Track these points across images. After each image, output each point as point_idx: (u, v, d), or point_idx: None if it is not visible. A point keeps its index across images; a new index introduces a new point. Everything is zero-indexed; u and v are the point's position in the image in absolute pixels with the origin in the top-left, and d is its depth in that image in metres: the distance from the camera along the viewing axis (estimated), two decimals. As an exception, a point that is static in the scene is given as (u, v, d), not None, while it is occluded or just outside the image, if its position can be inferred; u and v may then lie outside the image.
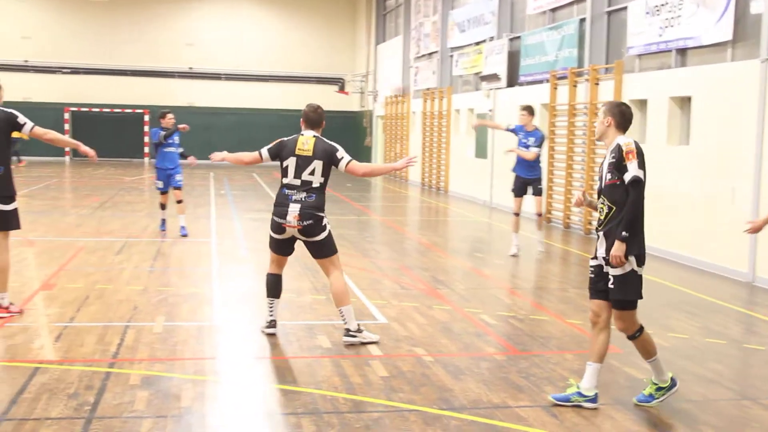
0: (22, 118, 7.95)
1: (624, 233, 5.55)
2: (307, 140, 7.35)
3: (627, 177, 5.58)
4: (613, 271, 5.69)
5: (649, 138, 13.48)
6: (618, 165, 5.64)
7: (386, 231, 16.31)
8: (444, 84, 25.73)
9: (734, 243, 11.27)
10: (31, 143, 27.48)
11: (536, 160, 12.43)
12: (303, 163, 7.26)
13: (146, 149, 37.07)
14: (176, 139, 13.63)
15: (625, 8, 14.85)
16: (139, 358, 6.77)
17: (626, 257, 5.61)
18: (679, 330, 8.30)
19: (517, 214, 12.76)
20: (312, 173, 7.26)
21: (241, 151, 8.14)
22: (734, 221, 11.19)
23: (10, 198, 7.93)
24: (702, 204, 12.06)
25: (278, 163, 7.42)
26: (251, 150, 7.60)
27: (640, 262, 5.70)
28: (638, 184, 5.59)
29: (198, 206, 18.54)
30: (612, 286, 5.72)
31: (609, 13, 15.75)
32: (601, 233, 5.80)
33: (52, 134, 8.17)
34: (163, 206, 14.13)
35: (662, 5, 13.34)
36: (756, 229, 6.47)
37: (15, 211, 7.98)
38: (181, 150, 13.76)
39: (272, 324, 7.60)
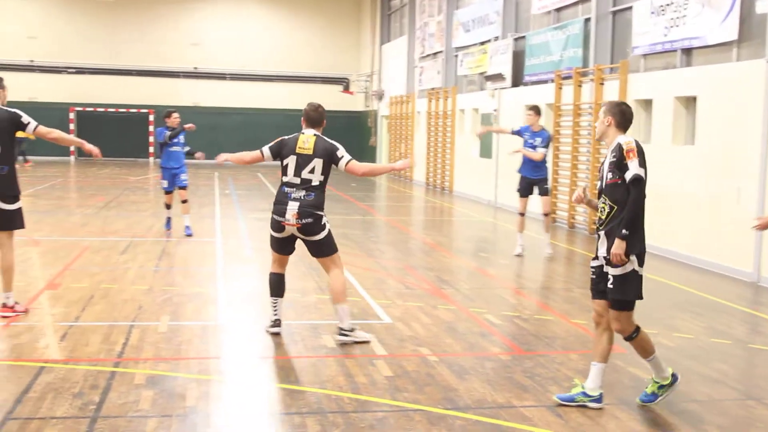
0: (26, 118, 7.96)
1: (624, 231, 5.54)
2: (307, 139, 7.36)
3: (628, 175, 5.58)
4: (612, 271, 5.67)
5: (655, 138, 13.45)
6: (619, 164, 5.64)
7: (391, 231, 16.31)
8: (449, 84, 25.72)
9: (739, 243, 11.25)
10: (37, 143, 27.63)
11: (542, 161, 12.41)
12: (303, 161, 7.28)
13: (151, 149, 37.16)
14: (181, 138, 13.64)
15: (630, 8, 14.83)
16: (143, 358, 6.78)
17: (627, 256, 5.60)
18: (684, 330, 8.29)
19: (522, 214, 12.74)
20: (312, 171, 7.27)
21: (244, 150, 8.15)
22: (739, 221, 11.18)
23: (15, 197, 7.94)
24: (707, 204, 12.04)
25: (279, 162, 7.43)
26: (253, 149, 7.61)
27: (641, 261, 5.69)
28: (639, 182, 5.58)
29: (203, 206, 18.55)
30: (611, 286, 5.70)
31: (614, 13, 15.74)
32: (602, 233, 5.79)
33: (56, 133, 8.19)
34: (168, 206, 14.14)
35: (667, 5, 13.32)
36: (765, 226, 6.45)
37: (19, 210, 7.99)
38: (187, 149, 13.78)
39: (277, 323, 7.60)
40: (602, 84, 15.29)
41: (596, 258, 5.87)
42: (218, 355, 7.07)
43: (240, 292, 9.52)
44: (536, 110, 12.51)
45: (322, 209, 7.29)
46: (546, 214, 12.86)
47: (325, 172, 7.33)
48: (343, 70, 38.96)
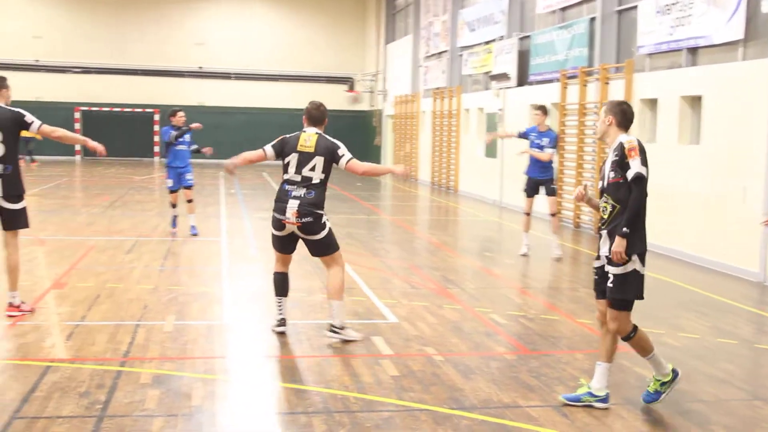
0: (29, 117, 7.98)
1: (625, 229, 5.53)
2: (309, 137, 7.38)
3: (630, 174, 5.56)
4: (613, 270, 5.66)
5: (660, 137, 13.43)
6: (621, 162, 5.63)
7: (396, 230, 16.31)
8: (453, 83, 25.71)
9: (745, 242, 11.23)
10: (44, 143, 27.71)
11: (550, 161, 12.35)
12: (304, 159, 7.29)
13: (156, 148, 37.22)
14: (187, 137, 13.64)
15: (635, 7, 14.80)
16: (149, 357, 6.79)
17: (629, 256, 5.59)
18: (689, 330, 8.28)
19: (528, 214, 12.72)
20: (312, 169, 7.28)
21: (248, 150, 8.12)
22: (745, 220, 11.16)
23: (19, 197, 7.95)
24: (713, 203, 12.02)
25: (281, 161, 7.44)
26: (256, 149, 7.58)
27: (643, 261, 5.67)
28: (641, 180, 5.57)
29: (208, 205, 18.57)
30: (611, 285, 5.69)
31: (619, 12, 15.71)
32: (604, 232, 5.78)
33: (60, 131, 8.20)
34: (173, 205, 14.13)
35: (673, 4, 13.29)
36: None
37: (24, 210, 8.00)
38: (194, 147, 13.78)
39: (282, 322, 7.61)
40: (607, 83, 15.27)
41: (599, 258, 5.86)
42: (224, 354, 7.08)
43: (245, 292, 9.53)
44: (543, 110, 12.47)
45: (322, 208, 7.29)
46: (553, 215, 12.76)
47: (326, 170, 7.34)
48: (348, 69, 38.96)
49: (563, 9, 18.08)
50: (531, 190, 12.56)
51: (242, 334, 7.77)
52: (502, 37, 21.35)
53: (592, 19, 16.31)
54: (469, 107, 24.08)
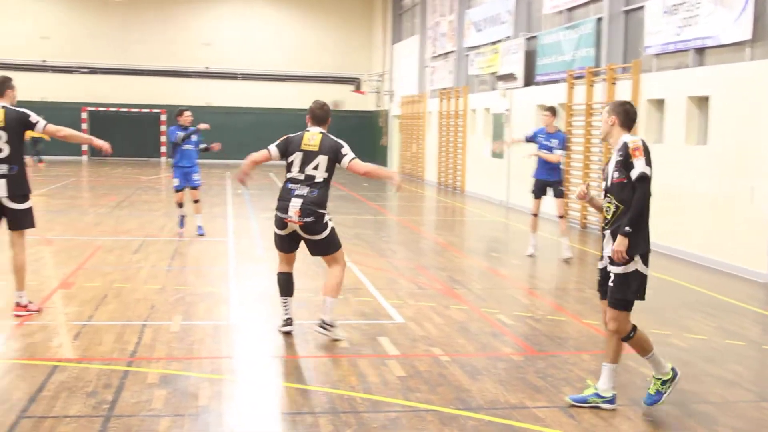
0: (34, 117, 7.99)
1: (627, 228, 5.52)
2: (313, 136, 7.39)
3: (634, 173, 5.55)
4: (615, 269, 5.65)
5: (667, 138, 13.40)
6: (625, 163, 5.61)
7: (402, 231, 16.31)
8: (460, 83, 25.70)
9: (753, 243, 11.19)
10: (52, 143, 27.74)
11: (558, 162, 12.29)
12: (308, 157, 7.31)
13: (163, 149, 37.30)
14: (194, 138, 13.64)
15: (642, 7, 14.77)
16: (156, 357, 6.80)
17: (632, 256, 5.57)
18: (696, 331, 8.26)
19: (535, 215, 12.69)
20: (316, 168, 7.29)
21: (254, 151, 8.12)
22: (753, 221, 11.13)
23: (25, 197, 7.96)
24: (720, 204, 11.99)
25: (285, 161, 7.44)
26: (261, 149, 7.58)
27: (646, 261, 5.66)
28: (645, 180, 5.55)
29: (215, 205, 18.60)
30: (611, 284, 5.68)
31: (626, 12, 15.68)
32: (607, 232, 5.77)
33: (65, 131, 8.22)
34: (179, 204, 14.11)
35: (680, 4, 13.26)
36: None
37: (30, 210, 8.01)
38: (202, 146, 13.77)
39: (288, 322, 7.61)
40: (614, 84, 15.24)
41: (602, 259, 5.85)
42: (230, 354, 7.09)
43: (252, 292, 9.54)
44: (552, 111, 12.40)
45: (324, 207, 7.30)
46: (561, 217, 12.67)
47: (329, 169, 7.35)
48: (354, 69, 38.96)
49: (570, 9, 18.05)
50: (539, 191, 12.51)
51: (249, 334, 7.78)
52: (508, 38, 21.33)
53: (599, 20, 16.28)
54: (476, 108, 24.07)
